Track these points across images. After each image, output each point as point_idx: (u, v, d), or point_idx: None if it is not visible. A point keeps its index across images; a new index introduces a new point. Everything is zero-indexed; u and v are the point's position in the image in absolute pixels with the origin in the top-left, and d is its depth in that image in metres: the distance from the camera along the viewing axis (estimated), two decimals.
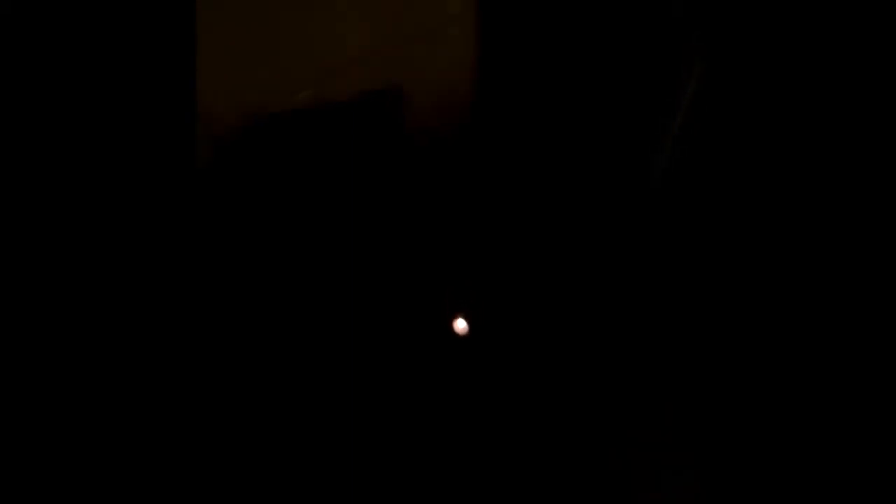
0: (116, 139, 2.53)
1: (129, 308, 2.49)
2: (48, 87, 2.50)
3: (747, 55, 2.62)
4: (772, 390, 2.49)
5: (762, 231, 2.57)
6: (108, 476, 2.40)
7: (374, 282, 2.61)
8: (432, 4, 2.71)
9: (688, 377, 2.53)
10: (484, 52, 2.73)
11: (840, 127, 2.57)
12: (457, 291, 2.61)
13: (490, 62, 2.73)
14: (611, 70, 2.68)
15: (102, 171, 2.52)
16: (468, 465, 2.48)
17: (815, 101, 2.58)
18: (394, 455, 2.48)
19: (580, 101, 2.69)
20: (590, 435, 2.52)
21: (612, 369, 2.55)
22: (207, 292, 2.56)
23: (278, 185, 2.64)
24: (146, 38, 2.53)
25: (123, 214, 2.53)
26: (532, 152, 2.71)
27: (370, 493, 2.46)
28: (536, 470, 2.48)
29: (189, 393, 2.49)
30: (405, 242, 2.65)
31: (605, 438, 2.52)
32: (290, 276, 2.61)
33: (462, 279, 2.62)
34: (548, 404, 2.54)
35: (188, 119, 2.54)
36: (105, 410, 2.45)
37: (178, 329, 2.51)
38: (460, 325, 2.57)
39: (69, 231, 2.50)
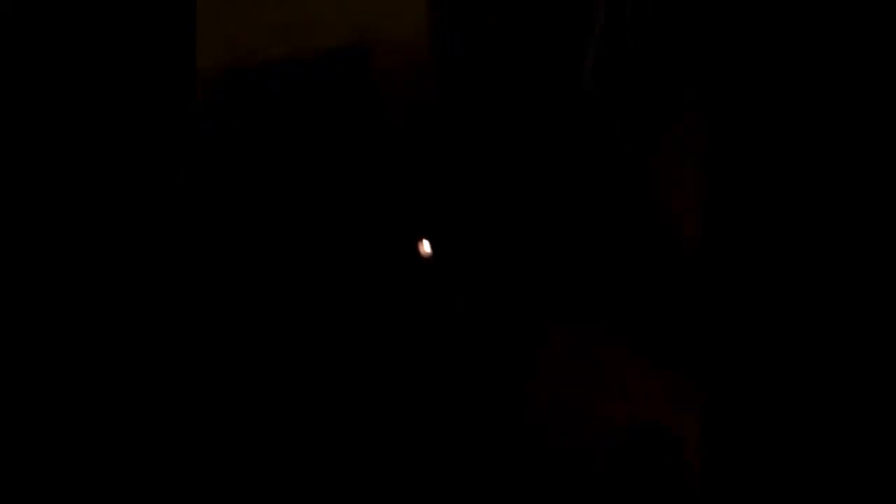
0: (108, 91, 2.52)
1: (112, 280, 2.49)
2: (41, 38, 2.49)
3: None
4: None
5: None
6: (106, 476, 2.40)
7: (343, 227, 2.63)
8: None
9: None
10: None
11: None
12: (424, 233, 2.62)
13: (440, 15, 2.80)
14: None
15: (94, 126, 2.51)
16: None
17: None
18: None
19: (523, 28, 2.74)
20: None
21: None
22: (180, 243, 2.56)
23: (245, 138, 2.66)
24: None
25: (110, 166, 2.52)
26: (485, 89, 2.75)
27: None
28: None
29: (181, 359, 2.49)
30: (373, 189, 2.67)
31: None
32: (261, 223, 2.62)
33: (429, 222, 2.63)
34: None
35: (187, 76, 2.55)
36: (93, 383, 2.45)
37: (161, 292, 2.51)
38: (425, 247, 2.58)
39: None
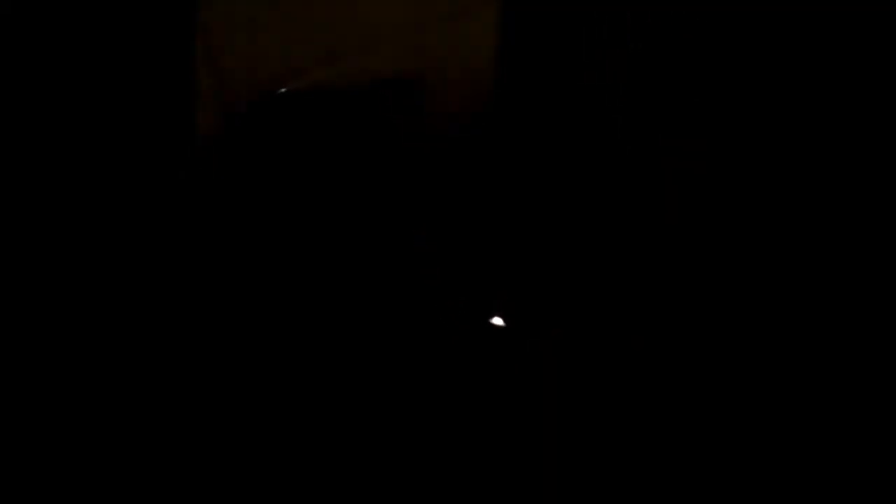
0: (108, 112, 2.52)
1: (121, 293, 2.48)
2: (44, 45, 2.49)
3: None
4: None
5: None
6: (106, 476, 2.39)
7: (383, 269, 2.60)
8: None
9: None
10: (504, 38, 2.73)
11: None
12: (477, 283, 2.60)
13: (510, 48, 2.73)
14: (628, 56, 2.69)
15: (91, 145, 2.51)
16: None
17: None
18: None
19: (599, 89, 2.69)
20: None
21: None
22: (208, 275, 2.55)
23: (286, 167, 2.63)
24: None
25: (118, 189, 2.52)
26: (550, 141, 2.71)
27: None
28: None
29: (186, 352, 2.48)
30: (422, 230, 2.64)
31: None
32: (295, 259, 2.60)
33: (482, 269, 2.62)
34: None
35: (188, 98, 2.54)
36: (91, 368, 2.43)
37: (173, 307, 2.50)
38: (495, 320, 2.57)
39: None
